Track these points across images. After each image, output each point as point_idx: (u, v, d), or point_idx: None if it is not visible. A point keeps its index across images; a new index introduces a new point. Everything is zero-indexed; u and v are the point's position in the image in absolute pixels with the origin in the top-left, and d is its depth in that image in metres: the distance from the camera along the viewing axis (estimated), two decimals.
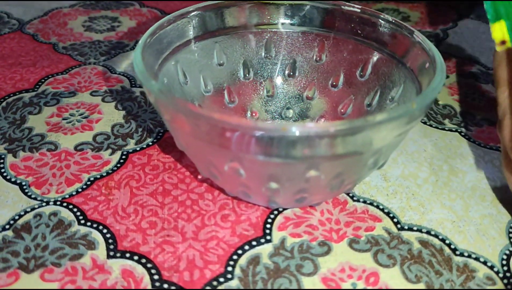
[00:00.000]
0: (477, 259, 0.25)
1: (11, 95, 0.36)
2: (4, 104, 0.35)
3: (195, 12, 0.29)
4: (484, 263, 0.25)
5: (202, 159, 0.24)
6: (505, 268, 0.24)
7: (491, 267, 0.24)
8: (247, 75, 0.32)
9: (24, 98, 0.36)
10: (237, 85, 0.32)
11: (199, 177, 0.29)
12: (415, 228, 0.26)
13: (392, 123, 0.21)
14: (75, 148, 0.31)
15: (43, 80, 0.38)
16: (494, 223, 0.27)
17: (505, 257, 0.25)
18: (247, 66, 0.32)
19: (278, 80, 0.32)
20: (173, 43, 0.28)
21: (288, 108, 0.32)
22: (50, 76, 0.39)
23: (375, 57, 0.29)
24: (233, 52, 0.31)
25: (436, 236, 0.26)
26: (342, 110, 0.31)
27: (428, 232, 0.26)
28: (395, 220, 0.27)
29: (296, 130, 0.19)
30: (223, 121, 0.20)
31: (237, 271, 0.24)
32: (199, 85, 0.30)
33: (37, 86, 0.37)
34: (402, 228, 0.26)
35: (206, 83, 0.30)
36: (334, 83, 0.31)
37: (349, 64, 0.31)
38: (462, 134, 0.34)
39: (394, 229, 0.26)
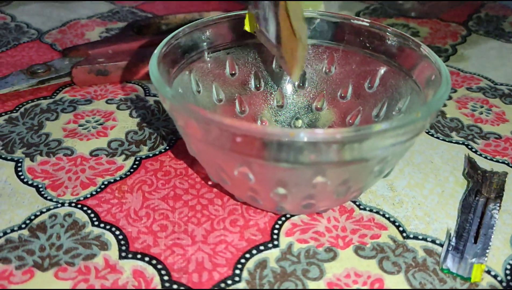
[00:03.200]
0: None
1: (30, 101, 0.37)
2: (22, 110, 0.36)
3: (209, 24, 0.30)
4: (488, 272, 0.25)
5: (213, 164, 0.25)
6: (509, 277, 0.25)
7: (495, 276, 0.25)
8: (258, 85, 0.33)
9: (42, 105, 0.37)
10: (248, 95, 0.33)
11: (209, 182, 0.30)
12: (420, 237, 0.27)
13: (397, 131, 0.21)
14: (90, 153, 0.32)
15: (60, 88, 0.39)
16: (499, 233, 0.27)
17: (508, 266, 0.25)
18: (258, 77, 0.33)
19: (288, 91, 0.33)
20: (187, 53, 0.29)
21: (297, 118, 0.33)
22: (68, 85, 0.40)
23: (383, 69, 0.30)
24: (245, 63, 0.32)
25: (441, 245, 0.26)
26: (350, 121, 0.32)
27: (433, 241, 0.26)
28: (400, 228, 0.27)
29: (304, 136, 0.20)
30: (233, 126, 0.21)
31: (245, 274, 0.24)
32: (211, 95, 0.31)
33: (55, 94, 0.39)
34: (407, 237, 0.27)
35: (218, 93, 0.31)
36: (342, 95, 0.32)
37: (357, 76, 0.31)
38: (469, 147, 0.34)
39: (399, 237, 0.27)
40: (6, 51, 0.45)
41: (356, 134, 0.20)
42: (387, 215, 0.28)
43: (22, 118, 0.35)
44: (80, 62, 0.40)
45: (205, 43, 0.30)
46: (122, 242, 0.26)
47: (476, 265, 0.25)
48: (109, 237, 0.26)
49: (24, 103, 0.37)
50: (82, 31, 0.49)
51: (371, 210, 0.28)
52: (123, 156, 0.32)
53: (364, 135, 0.21)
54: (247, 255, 0.25)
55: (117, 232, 0.26)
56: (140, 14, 0.54)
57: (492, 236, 0.27)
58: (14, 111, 0.36)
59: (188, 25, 0.29)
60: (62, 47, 0.46)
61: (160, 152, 0.32)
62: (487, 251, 0.26)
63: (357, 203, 0.29)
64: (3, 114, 0.36)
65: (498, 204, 0.29)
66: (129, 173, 0.31)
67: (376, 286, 0.24)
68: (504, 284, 0.24)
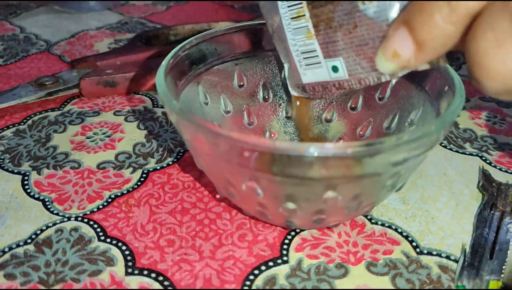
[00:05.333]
0: None
1: (37, 113, 0.37)
2: (30, 122, 0.36)
3: (217, 35, 0.30)
4: (504, 289, 0.24)
5: (221, 178, 0.25)
6: None
7: None
8: (267, 96, 0.32)
9: (49, 117, 0.37)
10: (256, 106, 0.32)
11: (217, 196, 0.29)
12: (434, 253, 0.26)
13: (410, 145, 0.21)
14: (98, 166, 0.32)
15: (69, 100, 0.39)
16: None
17: None
18: (267, 88, 0.32)
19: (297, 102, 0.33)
20: (195, 65, 0.29)
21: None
22: (76, 97, 0.40)
23: (394, 80, 0.29)
24: (253, 74, 0.32)
25: (456, 261, 0.25)
26: (361, 133, 0.31)
27: (447, 257, 0.26)
28: (414, 244, 0.26)
29: (314, 151, 0.20)
30: (241, 140, 0.20)
31: None
32: (219, 106, 0.31)
33: (63, 106, 0.38)
34: (421, 252, 0.26)
35: (226, 104, 0.31)
36: (353, 106, 0.31)
37: (368, 86, 0.31)
38: (483, 158, 0.33)
39: (413, 253, 0.26)
40: (14, 62, 0.45)
41: (368, 149, 0.20)
42: (399, 230, 0.27)
43: (29, 130, 0.35)
44: (88, 73, 0.39)
45: (213, 54, 0.30)
46: (129, 257, 0.25)
47: (492, 282, 0.24)
48: (115, 252, 0.26)
49: (32, 115, 0.37)
50: (91, 42, 0.49)
51: (383, 225, 0.28)
52: (131, 169, 0.32)
53: (376, 149, 0.20)
54: (256, 272, 0.25)
55: (124, 247, 0.26)
56: (149, 25, 0.54)
57: (509, 251, 0.26)
58: (22, 124, 0.36)
59: (196, 36, 0.29)
60: (70, 59, 0.46)
61: (168, 165, 0.32)
62: (504, 267, 0.25)
63: (369, 217, 0.28)
64: (10, 126, 0.36)
65: None
66: (136, 186, 0.30)
67: None
68: None
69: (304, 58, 0.25)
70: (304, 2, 0.24)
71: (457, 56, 0.48)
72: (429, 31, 0.19)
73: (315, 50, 0.24)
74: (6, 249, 0.26)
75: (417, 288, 0.24)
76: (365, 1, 0.21)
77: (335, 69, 0.24)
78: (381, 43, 0.21)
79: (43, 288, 0.24)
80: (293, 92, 0.28)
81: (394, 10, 0.21)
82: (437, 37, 0.19)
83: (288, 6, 0.25)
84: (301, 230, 0.27)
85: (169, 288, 0.24)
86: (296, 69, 0.26)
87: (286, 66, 0.27)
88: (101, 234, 0.27)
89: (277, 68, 0.32)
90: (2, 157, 0.32)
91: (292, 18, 0.25)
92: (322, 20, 0.23)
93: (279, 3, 0.25)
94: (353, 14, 0.22)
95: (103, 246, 0.26)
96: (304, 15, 0.24)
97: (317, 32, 0.24)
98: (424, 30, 0.19)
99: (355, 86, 0.24)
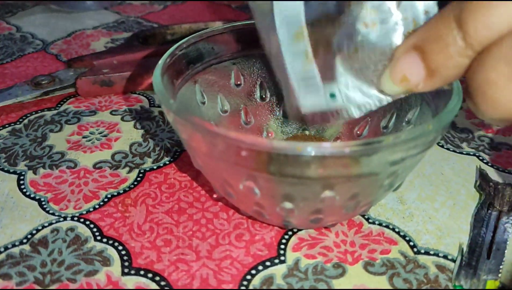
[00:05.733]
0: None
1: (33, 113, 0.37)
2: (26, 121, 0.36)
3: (214, 34, 0.30)
4: (502, 288, 0.24)
5: (218, 178, 0.24)
6: None
7: None
8: (264, 96, 0.32)
9: (46, 116, 0.37)
10: (253, 106, 0.32)
11: (215, 196, 0.29)
12: (431, 252, 0.26)
13: (408, 145, 0.21)
14: (94, 166, 0.32)
15: (65, 99, 0.39)
16: None
17: None
18: (264, 88, 0.32)
19: None
20: (192, 64, 0.29)
21: (304, 129, 0.33)
22: (72, 96, 0.39)
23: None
24: (251, 73, 0.32)
25: (453, 260, 0.25)
26: (358, 132, 0.31)
27: (445, 257, 0.26)
28: (411, 243, 0.26)
29: (311, 150, 0.19)
30: (238, 140, 0.20)
31: None
32: (217, 106, 0.31)
33: (59, 105, 0.38)
34: (418, 252, 0.26)
35: (223, 104, 0.31)
36: None
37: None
38: (480, 158, 0.33)
39: (410, 252, 0.26)
40: (11, 62, 0.45)
41: (365, 148, 0.20)
42: (397, 229, 0.27)
43: (25, 129, 0.35)
44: (84, 73, 0.39)
45: (210, 54, 0.30)
46: (125, 257, 0.25)
47: (490, 281, 0.24)
48: (111, 252, 0.25)
49: (28, 115, 0.37)
50: (87, 42, 0.49)
51: (380, 224, 0.28)
52: (127, 169, 0.31)
53: (373, 148, 0.20)
54: (253, 271, 0.25)
55: (120, 247, 0.26)
56: (146, 24, 0.54)
57: (506, 251, 0.26)
58: (18, 123, 0.36)
59: (193, 35, 0.29)
60: (67, 58, 0.46)
61: (165, 164, 0.32)
62: (501, 266, 0.25)
63: (366, 217, 0.28)
64: (6, 125, 0.36)
65: (511, 217, 0.28)
66: (132, 186, 0.30)
67: None
68: None
69: (303, 84, 0.24)
70: (304, 24, 0.22)
71: None
72: (443, 62, 0.19)
73: (314, 77, 0.23)
74: (2, 249, 0.25)
75: (414, 288, 0.24)
76: (368, 25, 0.21)
77: (332, 96, 0.23)
78: (386, 66, 0.21)
79: (39, 288, 0.23)
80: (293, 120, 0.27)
81: (398, 35, 0.20)
82: (450, 68, 0.19)
83: (287, 28, 0.23)
84: (299, 230, 0.27)
85: (166, 288, 0.24)
86: (294, 97, 0.24)
87: (285, 94, 0.25)
88: (97, 234, 0.27)
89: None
90: None
91: (290, 40, 0.23)
92: (321, 43, 0.22)
93: (277, 24, 0.24)
94: (354, 38, 0.21)
95: (99, 246, 0.26)
96: (303, 37, 0.23)
97: (316, 56, 0.23)
98: (438, 59, 0.19)
99: (353, 114, 0.23)
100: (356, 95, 0.22)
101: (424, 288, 0.24)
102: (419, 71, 0.19)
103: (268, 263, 0.25)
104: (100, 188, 0.30)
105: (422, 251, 0.26)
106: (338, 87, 0.23)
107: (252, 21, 0.31)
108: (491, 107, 0.18)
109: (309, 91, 0.24)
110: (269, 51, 0.25)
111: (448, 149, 0.34)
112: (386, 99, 0.22)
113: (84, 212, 0.28)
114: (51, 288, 0.23)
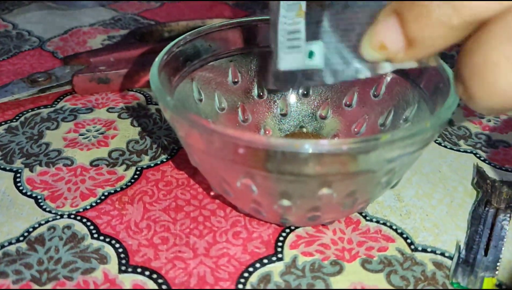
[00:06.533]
0: None
1: (30, 110, 0.37)
2: (22, 119, 0.36)
3: (211, 31, 0.30)
4: (499, 285, 0.24)
5: (215, 175, 0.24)
6: None
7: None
8: (261, 93, 0.32)
9: (42, 114, 0.37)
10: (251, 103, 0.32)
11: (212, 193, 0.29)
12: (429, 249, 0.26)
13: (406, 142, 0.20)
14: (91, 163, 0.32)
15: (61, 97, 0.39)
16: (510, 245, 0.26)
17: None
18: (262, 85, 0.32)
19: (292, 99, 0.33)
20: (189, 61, 0.29)
21: (301, 127, 0.32)
22: (69, 93, 0.39)
23: (389, 77, 0.29)
24: (248, 70, 0.32)
25: (450, 258, 0.25)
26: (355, 130, 0.31)
27: (442, 254, 0.26)
28: (408, 241, 0.26)
29: (309, 147, 0.19)
30: (236, 137, 0.20)
31: (248, 289, 0.24)
32: (214, 103, 0.31)
33: (56, 102, 0.38)
34: (415, 249, 0.26)
35: (220, 101, 0.31)
36: (348, 103, 0.31)
37: (363, 83, 0.31)
38: (477, 155, 0.33)
39: (407, 250, 0.26)
40: (7, 59, 0.45)
41: (363, 145, 0.20)
42: (394, 227, 0.27)
43: (22, 127, 0.35)
44: (81, 70, 0.39)
45: (207, 51, 0.30)
46: (122, 255, 0.25)
47: (487, 279, 0.24)
48: (108, 250, 0.25)
49: (24, 112, 0.37)
50: (84, 39, 0.49)
51: (378, 222, 0.28)
52: (124, 166, 0.31)
53: (371, 146, 0.20)
54: (251, 269, 0.25)
55: (117, 245, 0.26)
56: (143, 21, 0.54)
57: (503, 248, 0.26)
58: (14, 120, 0.36)
59: (190, 32, 0.29)
60: (63, 55, 0.45)
61: (162, 162, 0.32)
62: (498, 263, 0.25)
63: (363, 214, 0.28)
64: (2, 123, 0.35)
65: (508, 215, 0.28)
66: (129, 183, 0.30)
67: None
68: None
69: (288, 39, 0.23)
70: None
71: (451, 53, 0.48)
72: (423, 30, 0.17)
73: (299, 31, 0.22)
74: None
75: (411, 285, 0.24)
76: None
77: (311, 54, 0.22)
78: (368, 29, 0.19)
79: (36, 286, 0.23)
80: (268, 85, 0.26)
81: None
82: (430, 38, 0.17)
83: None
84: (296, 227, 0.27)
85: (163, 286, 0.24)
86: (276, 54, 0.24)
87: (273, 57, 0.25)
88: (94, 231, 0.26)
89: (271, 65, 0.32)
90: None
91: None
92: None
93: None
94: None
95: (96, 243, 0.26)
96: None
97: (307, 10, 0.22)
98: (417, 27, 0.17)
99: (326, 79, 0.22)
100: (335, 58, 0.21)
101: (421, 285, 0.24)
102: (397, 39, 0.18)
103: (265, 261, 0.25)
104: (97, 185, 0.30)
105: (420, 248, 0.26)
106: (319, 46, 0.22)
107: (250, 19, 0.31)
108: (488, 93, 0.16)
109: (291, 46, 0.23)
110: (271, 8, 0.24)
111: (445, 146, 0.34)
112: (364, 73, 0.21)
113: (81, 210, 0.28)
114: (47, 286, 0.23)
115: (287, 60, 0.23)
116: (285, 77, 0.24)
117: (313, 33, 0.22)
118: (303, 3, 0.22)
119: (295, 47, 0.23)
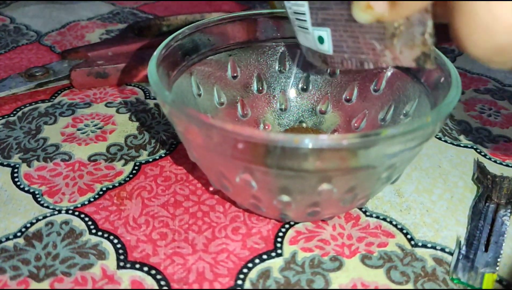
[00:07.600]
0: None
1: (27, 105, 0.37)
2: (20, 113, 0.36)
3: (210, 25, 0.29)
4: (500, 281, 0.24)
5: (214, 171, 0.24)
6: None
7: (507, 286, 0.24)
8: (261, 88, 0.32)
9: (40, 108, 0.36)
10: (250, 98, 0.32)
11: (211, 189, 0.29)
12: (429, 245, 0.26)
13: (406, 137, 0.20)
14: (89, 158, 0.31)
15: (59, 91, 0.39)
16: (510, 241, 0.26)
17: None
18: (261, 79, 0.32)
19: (292, 94, 0.32)
20: (188, 55, 0.29)
21: (301, 122, 0.32)
22: (66, 88, 0.39)
23: (389, 71, 0.29)
24: (247, 65, 0.31)
25: (450, 253, 0.25)
26: (355, 125, 0.31)
27: (442, 249, 0.26)
28: (408, 236, 0.26)
29: (309, 142, 0.19)
30: (235, 132, 0.20)
31: (247, 284, 0.23)
32: (213, 98, 0.30)
33: (53, 97, 0.38)
34: (415, 245, 0.26)
35: (219, 96, 0.31)
36: (348, 97, 0.31)
37: (363, 78, 0.30)
38: (478, 150, 0.33)
39: (407, 245, 0.26)
40: (4, 53, 0.44)
41: (363, 140, 0.19)
42: (394, 222, 0.27)
43: (19, 122, 0.35)
44: (79, 64, 0.39)
45: (206, 45, 0.30)
46: (120, 251, 0.25)
47: (487, 275, 0.24)
48: (107, 245, 0.25)
49: (22, 107, 0.36)
50: (82, 33, 0.49)
51: (377, 217, 0.27)
52: (122, 161, 0.31)
53: (371, 141, 0.20)
54: (250, 265, 0.24)
55: (115, 241, 0.25)
56: (141, 15, 0.53)
57: (504, 244, 0.26)
58: (12, 115, 0.35)
59: (188, 26, 0.28)
60: (61, 49, 0.45)
61: (160, 157, 0.32)
62: (499, 259, 0.25)
63: (363, 210, 0.28)
64: (0, 118, 0.35)
65: (509, 210, 0.28)
66: (128, 178, 0.30)
67: None
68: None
69: (296, 18, 0.24)
70: None
71: (452, 47, 0.47)
72: None
73: (304, 13, 0.23)
74: None
75: (411, 281, 0.24)
76: None
77: (320, 40, 0.23)
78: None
79: (33, 282, 0.23)
80: (307, 57, 0.27)
81: None
82: None
83: None
84: (295, 223, 0.27)
85: (162, 281, 0.23)
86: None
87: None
88: (92, 227, 0.26)
89: (271, 59, 0.32)
90: None
91: None
92: None
93: None
94: None
95: (94, 239, 0.26)
96: None
97: None
98: None
99: (337, 66, 0.23)
100: (342, 47, 0.22)
101: (421, 281, 0.24)
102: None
103: (264, 256, 0.25)
104: (95, 181, 0.29)
105: (420, 244, 0.26)
106: (327, 32, 0.23)
107: (249, 12, 0.30)
108: (485, 33, 0.16)
109: (300, 26, 0.24)
110: None
111: (445, 141, 0.34)
112: (367, 64, 0.22)
113: (79, 205, 0.28)
114: (45, 282, 0.23)
115: (301, 37, 0.25)
116: (313, 54, 0.25)
117: (319, 19, 0.23)
118: None
119: (303, 28, 0.24)
